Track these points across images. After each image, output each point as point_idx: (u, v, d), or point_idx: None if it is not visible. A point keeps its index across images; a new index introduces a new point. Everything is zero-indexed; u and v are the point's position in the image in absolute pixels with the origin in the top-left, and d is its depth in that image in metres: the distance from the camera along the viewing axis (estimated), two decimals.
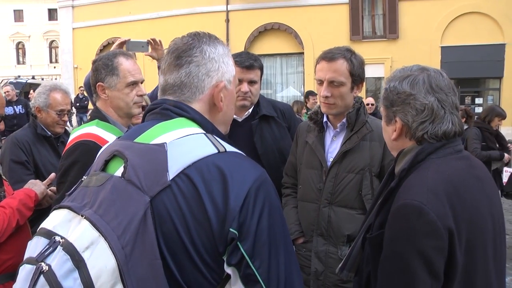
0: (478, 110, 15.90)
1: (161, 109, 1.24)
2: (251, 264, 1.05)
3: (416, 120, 1.43)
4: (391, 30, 18.05)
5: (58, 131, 3.08)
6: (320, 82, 2.29)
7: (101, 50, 19.05)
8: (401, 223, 1.32)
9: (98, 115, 2.19)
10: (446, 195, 1.31)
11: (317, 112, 2.45)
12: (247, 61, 2.59)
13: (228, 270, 1.06)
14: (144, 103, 3.22)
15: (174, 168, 1.06)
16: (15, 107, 10.57)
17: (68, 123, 3.18)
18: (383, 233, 1.38)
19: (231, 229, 1.03)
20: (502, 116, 6.19)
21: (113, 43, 3.03)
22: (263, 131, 2.72)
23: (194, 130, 1.18)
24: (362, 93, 16.32)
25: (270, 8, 18.94)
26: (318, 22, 18.14)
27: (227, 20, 19.48)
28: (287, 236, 1.15)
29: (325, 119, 2.42)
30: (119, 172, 1.11)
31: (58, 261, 0.97)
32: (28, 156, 2.91)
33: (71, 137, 2.17)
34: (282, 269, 1.09)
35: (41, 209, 2.58)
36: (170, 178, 1.05)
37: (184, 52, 1.25)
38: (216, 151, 1.12)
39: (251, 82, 2.63)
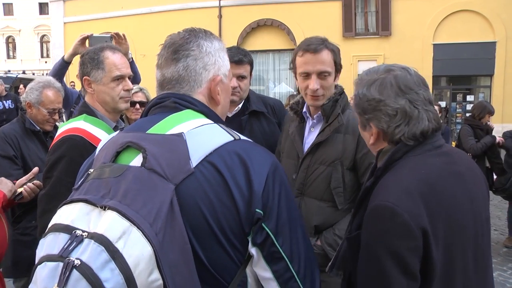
0: (470, 107, 16.02)
1: (169, 102, 1.26)
2: (275, 242, 1.13)
3: (391, 125, 1.40)
4: (384, 27, 18.09)
5: (47, 129, 3.04)
6: (306, 75, 2.24)
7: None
8: (374, 225, 1.30)
9: (86, 110, 2.17)
10: (421, 194, 1.28)
11: (298, 102, 2.44)
12: (236, 56, 2.57)
13: (252, 249, 1.13)
14: (140, 99, 3.21)
15: (196, 156, 1.10)
16: (4, 102, 10.47)
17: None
18: (360, 234, 1.37)
19: (257, 210, 1.10)
20: (492, 113, 6.45)
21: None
22: (252, 127, 2.71)
23: (205, 121, 1.23)
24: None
25: (263, 4, 18.91)
26: (311, 19, 18.13)
27: (220, 16, 19.42)
28: (300, 215, 1.25)
29: (304, 109, 2.40)
30: (136, 162, 1.12)
31: (92, 253, 0.95)
32: (16, 151, 2.87)
33: (59, 132, 2.15)
34: (302, 244, 1.19)
35: (26, 206, 2.56)
36: (193, 166, 1.09)
37: (181, 46, 1.28)
38: (232, 138, 1.17)
39: (240, 77, 2.61)
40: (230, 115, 2.70)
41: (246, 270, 1.16)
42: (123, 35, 2.96)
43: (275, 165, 1.18)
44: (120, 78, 2.15)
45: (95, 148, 1.34)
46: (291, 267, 1.16)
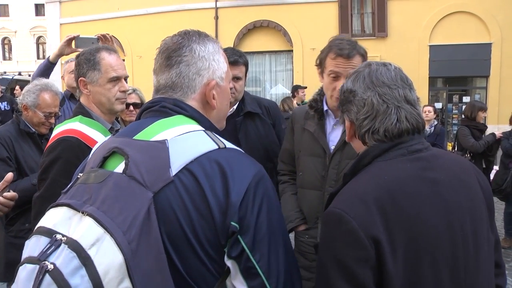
0: None
1: (159, 106, 1.25)
2: (251, 257, 1.09)
3: (358, 117, 1.35)
4: (380, 29, 18.12)
5: (43, 132, 3.01)
6: (335, 77, 2.25)
7: None
8: (324, 233, 1.25)
9: (82, 111, 2.16)
10: (377, 202, 1.19)
11: (316, 100, 2.43)
12: (232, 57, 2.56)
13: (228, 263, 1.10)
14: (133, 100, 3.19)
15: (176, 164, 1.09)
16: (0, 103, 10.42)
17: None
18: None
19: (232, 223, 1.07)
20: (484, 108, 6.49)
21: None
22: (247, 128, 2.71)
23: (194, 127, 1.21)
24: None
25: (259, 5, 18.91)
26: (307, 20, 18.16)
27: (216, 17, 19.40)
28: (285, 230, 1.20)
29: (325, 107, 2.40)
30: (119, 168, 1.12)
31: (64, 259, 0.96)
32: (10, 153, 2.84)
33: (54, 133, 2.14)
34: (282, 262, 1.13)
35: (20, 209, 2.52)
36: (173, 174, 1.07)
37: (174, 51, 1.27)
38: (217, 147, 1.15)
39: (236, 78, 2.60)
40: None
41: (227, 282, 1.13)
42: (110, 37, 2.95)
43: (259, 176, 1.14)
44: (116, 79, 2.13)
45: (90, 149, 1.34)
46: (267, 284, 1.10)
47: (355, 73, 1.43)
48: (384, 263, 1.15)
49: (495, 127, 13.90)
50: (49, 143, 2.11)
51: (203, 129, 1.22)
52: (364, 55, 2.27)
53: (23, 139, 2.94)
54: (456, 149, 6.66)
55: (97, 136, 2.01)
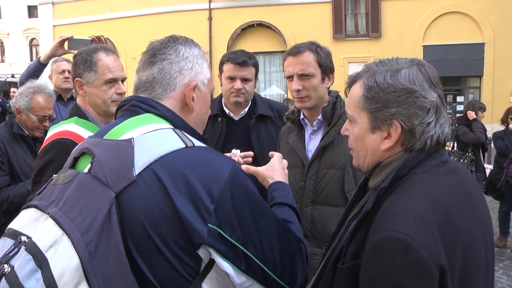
0: (460, 108, 16.24)
1: (130, 105, 1.25)
2: (247, 252, 1.09)
3: (423, 121, 1.16)
4: (374, 29, 18.17)
5: (37, 135, 2.97)
6: (290, 78, 2.25)
7: None
8: (383, 262, 1.06)
9: (77, 112, 2.13)
10: (437, 224, 1.06)
11: (293, 111, 2.41)
12: (240, 58, 2.60)
13: (229, 270, 1.08)
14: None
15: (140, 163, 1.06)
16: None
17: None
18: (358, 264, 1.14)
19: (209, 225, 1.04)
20: (483, 108, 6.50)
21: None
22: (260, 131, 2.72)
23: (163, 125, 1.19)
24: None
25: (253, 6, 18.90)
26: (301, 21, 18.17)
27: (210, 18, 19.37)
28: (269, 213, 1.20)
29: (301, 116, 2.37)
30: (87, 169, 1.12)
31: (21, 262, 0.97)
32: (3, 156, 2.81)
33: (48, 135, 2.11)
34: (276, 242, 1.15)
35: (13, 214, 2.50)
36: (136, 173, 1.05)
37: (159, 50, 1.28)
38: (184, 145, 1.12)
39: (245, 80, 2.62)
40: (236, 119, 2.72)
41: (202, 285, 1.08)
42: (104, 38, 2.92)
43: (233, 173, 1.12)
44: (112, 81, 2.10)
45: None
46: (266, 268, 1.13)
47: (400, 68, 1.21)
48: None
49: (488, 126, 13.98)
50: (43, 145, 2.08)
51: (172, 127, 1.20)
52: (319, 53, 2.21)
53: (16, 142, 2.90)
54: (456, 148, 6.64)
55: None
